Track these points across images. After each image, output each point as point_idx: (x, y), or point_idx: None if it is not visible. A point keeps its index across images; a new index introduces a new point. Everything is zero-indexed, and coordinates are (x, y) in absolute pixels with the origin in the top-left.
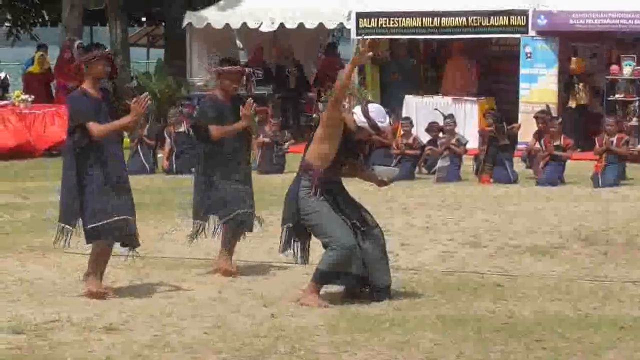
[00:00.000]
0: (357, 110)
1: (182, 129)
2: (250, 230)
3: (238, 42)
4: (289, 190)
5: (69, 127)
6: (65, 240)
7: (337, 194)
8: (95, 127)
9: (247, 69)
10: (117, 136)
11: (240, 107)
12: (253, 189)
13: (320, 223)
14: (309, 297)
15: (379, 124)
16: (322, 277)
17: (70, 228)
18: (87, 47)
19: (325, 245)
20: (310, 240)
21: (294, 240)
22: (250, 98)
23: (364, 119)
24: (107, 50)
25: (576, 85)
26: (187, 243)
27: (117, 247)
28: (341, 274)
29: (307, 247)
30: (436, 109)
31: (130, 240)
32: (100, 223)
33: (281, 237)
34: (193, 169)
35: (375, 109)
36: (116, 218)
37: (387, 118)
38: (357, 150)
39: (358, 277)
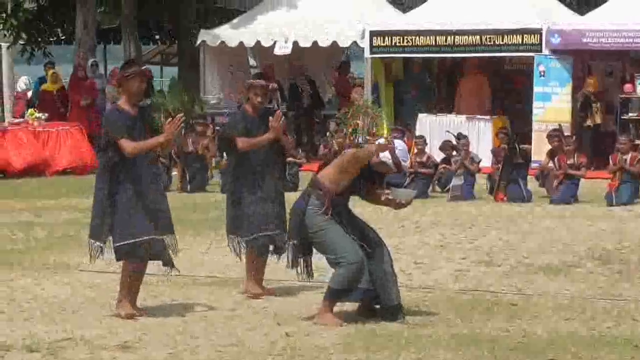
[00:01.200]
0: (383, 143)
1: (191, 148)
2: (275, 253)
3: (252, 60)
4: (295, 206)
5: (101, 143)
6: (97, 257)
7: (343, 215)
8: (127, 145)
9: (272, 84)
10: (150, 153)
11: (270, 118)
12: (284, 207)
13: (328, 240)
14: (324, 316)
15: (403, 163)
16: (334, 295)
17: (100, 245)
18: (124, 64)
19: (332, 263)
20: (312, 256)
21: (300, 258)
22: (279, 111)
23: (389, 156)
24: (144, 67)
25: (592, 104)
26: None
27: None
28: (353, 289)
29: (310, 263)
30: (448, 131)
31: (162, 258)
32: (124, 242)
33: (287, 253)
34: (207, 188)
35: (402, 148)
36: (140, 239)
37: (408, 157)
38: (373, 180)
39: (367, 290)
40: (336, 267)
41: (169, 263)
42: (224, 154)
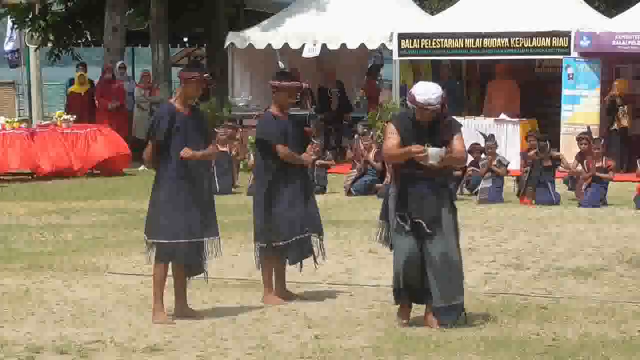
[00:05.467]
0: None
1: (226, 148)
2: (307, 256)
3: (280, 62)
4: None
5: (146, 139)
6: (150, 254)
7: (423, 188)
8: (148, 151)
9: (304, 84)
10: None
11: (308, 147)
12: (314, 206)
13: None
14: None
15: (424, 100)
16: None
17: (153, 241)
18: (188, 65)
19: None
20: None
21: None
22: (317, 144)
23: (410, 104)
24: (205, 74)
25: (620, 107)
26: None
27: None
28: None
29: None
30: (477, 131)
31: (191, 267)
32: (164, 241)
33: (378, 232)
34: (233, 189)
35: (422, 91)
36: (180, 240)
37: (439, 90)
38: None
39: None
40: None
41: (196, 271)
42: (251, 155)
